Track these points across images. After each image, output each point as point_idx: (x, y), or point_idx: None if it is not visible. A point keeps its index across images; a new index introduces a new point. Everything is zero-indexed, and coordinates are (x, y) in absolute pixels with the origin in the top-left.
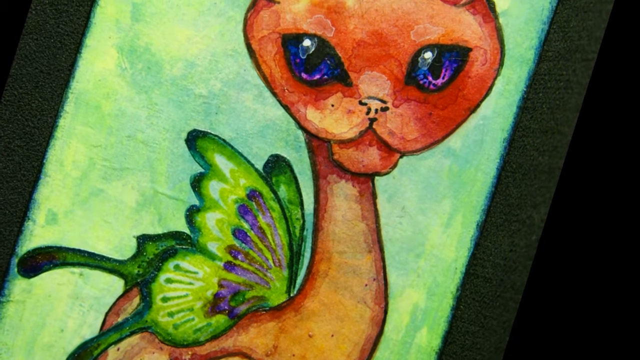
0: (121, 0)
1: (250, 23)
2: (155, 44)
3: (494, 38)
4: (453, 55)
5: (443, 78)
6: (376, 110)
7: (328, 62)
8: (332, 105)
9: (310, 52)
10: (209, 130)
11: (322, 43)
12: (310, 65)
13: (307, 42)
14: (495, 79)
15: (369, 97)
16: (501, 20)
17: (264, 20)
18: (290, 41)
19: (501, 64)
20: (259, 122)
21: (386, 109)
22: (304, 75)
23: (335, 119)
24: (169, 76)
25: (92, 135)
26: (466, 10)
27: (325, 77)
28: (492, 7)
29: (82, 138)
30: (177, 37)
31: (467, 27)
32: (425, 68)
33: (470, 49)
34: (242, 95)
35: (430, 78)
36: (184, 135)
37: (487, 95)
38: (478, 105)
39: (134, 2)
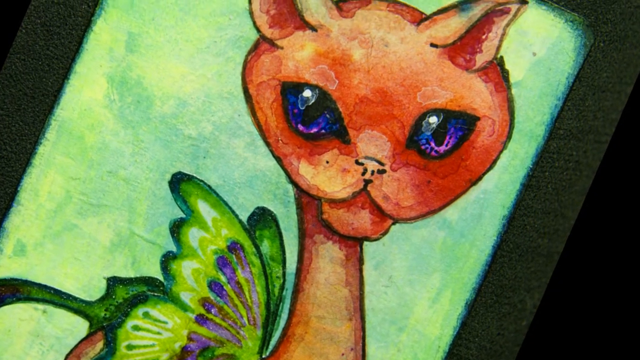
0: (117, 28)
1: (250, 66)
2: (147, 77)
3: (504, 109)
4: (459, 123)
5: (446, 145)
6: (372, 172)
7: (327, 116)
8: (327, 162)
9: (310, 103)
10: (194, 175)
11: (323, 95)
12: (308, 118)
13: (307, 93)
14: (501, 152)
15: (367, 157)
16: (514, 91)
17: (265, 65)
18: (290, 90)
19: (509, 137)
20: (248, 171)
21: (383, 171)
22: (300, 127)
23: (329, 176)
24: (158, 113)
25: (71, 167)
26: (478, 77)
27: (323, 131)
28: (505, 77)
29: (60, 168)
30: (171, 73)
31: (477, 95)
32: (429, 133)
33: (478, 118)
34: (234, 142)
35: (432, 144)
36: (168, 176)
37: (490, 168)
38: (480, 178)
39: (130, 31)
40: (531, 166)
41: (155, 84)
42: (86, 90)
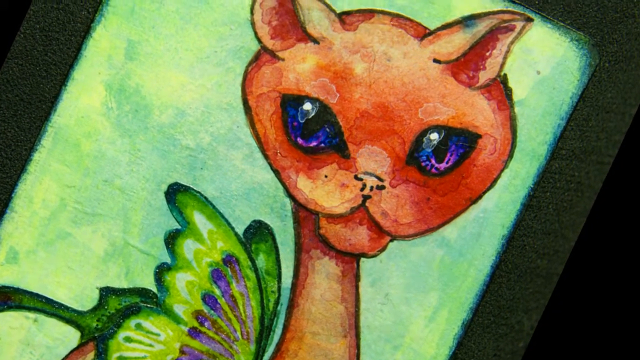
0: (117, 35)
1: (250, 77)
2: (146, 86)
3: (507, 127)
4: (461, 140)
5: (447, 163)
6: (371, 188)
7: (327, 129)
8: (326, 176)
9: (310, 116)
10: (191, 186)
11: (323, 109)
12: (307, 131)
13: (307, 106)
14: (502, 171)
15: (366, 173)
16: (517, 109)
17: (265, 76)
18: (290, 102)
19: (510, 155)
20: (246, 183)
21: (382, 187)
22: (299, 141)
23: (327, 191)
24: (156, 122)
25: (67, 175)
26: (481, 94)
27: (323, 145)
28: (508, 94)
29: (56, 176)
30: (170, 82)
31: (479, 112)
32: (430, 150)
33: (479, 136)
34: (232, 153)
35: (433, 161)
36: (164, 187)
37: (491, 187)
38: (480, 197)
39: (130, 39)
40: (532, 186)
41: (154, 93)
42: (84, 97)
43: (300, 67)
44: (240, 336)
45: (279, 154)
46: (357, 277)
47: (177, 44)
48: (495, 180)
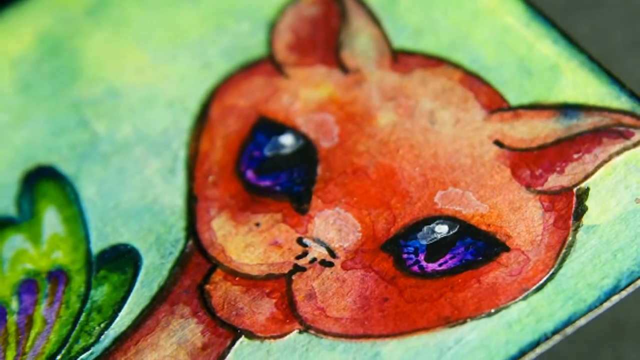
0: None
1: (231, 83)
2: (88, 52)
3: (553, 252)
4: (476, 245)
5: (440, 265)
6: (313, 260)
7: (295, 174)
8: (257, 225)
9: (282, 152)
10: (68, 176)
11: (305, 149)
12: (267, 167)
13: (288, 139)
14: (513, 302)
15: (317, 240)
16: (581, 235)
17: (253, 87)
18: (265, 128)
19: (539, 287)
20: (144, 199)
21: (329, 264)
22: (248, 174)
23: (248, 242)
24: (74, 93)
25: None
26: (538, 201)
27: (278, 188)
28: (578, 214)
29: None
30: (124, 57)
31: (523, 221)
32: (425, 242)
33: (507, 249)
34: (150, 159)
35: (421, 257)
36: (32, 165)
37: (488, 315)
38: (463, 322)
39: None
40: (548, 335)
41: (93, 63)
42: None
43: (305, 93)
44: None
45: (210, 179)
46: (219, 359)
47: (160, 17)
48: (498, 310)
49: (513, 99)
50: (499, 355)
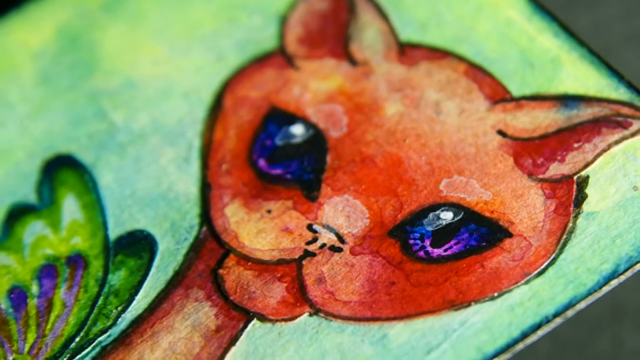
0: None
1: (244, 75)
2: (105, 46)
3: (554, 237)
4: (479, 232)
5: (445, 251)
6: (323, 245)
7: (305, 162)
8: (269, 212)
9: (292, 141)
10: (87, 165)
11: (315, 138)
12: (278, 156)
13: (298, 129)
14: (516, 285)
15: (326, 226)
16: (581, 221)
17: (264, 79)
18: (276, 118)
19: (541, 272)
20: (159, 187)
21: (338, 250)
22: (260, 163)
23: (260, 228)
24: (91, 85)
25: None
26: (539, 189)
27: (288, 176)
28: (578, 201)
29: None
30: (140, 50)
31: (525, 208)
32: (430, 229)
33: (509, 235)
34: (165, 148)
35: (427, 242)
36: (51, 154)
37: (491, 299)
38: (467, 305)
39: None
40: (549, 317)
41: (110, 56)
42: (21, 32)
43: (315, 84)
44: (25, 350)
45: (223, 167)
46: (232, 341)
47: (174, 11)
48: (501, 293)
49: (515, 90)
50: (502, 337)
